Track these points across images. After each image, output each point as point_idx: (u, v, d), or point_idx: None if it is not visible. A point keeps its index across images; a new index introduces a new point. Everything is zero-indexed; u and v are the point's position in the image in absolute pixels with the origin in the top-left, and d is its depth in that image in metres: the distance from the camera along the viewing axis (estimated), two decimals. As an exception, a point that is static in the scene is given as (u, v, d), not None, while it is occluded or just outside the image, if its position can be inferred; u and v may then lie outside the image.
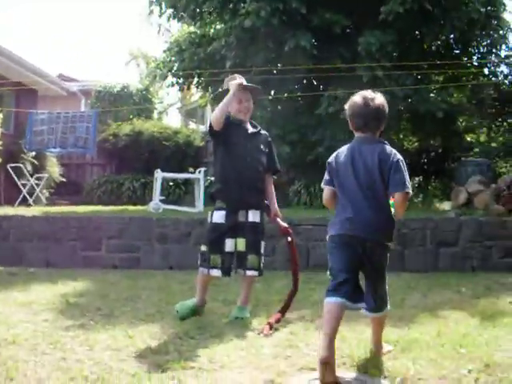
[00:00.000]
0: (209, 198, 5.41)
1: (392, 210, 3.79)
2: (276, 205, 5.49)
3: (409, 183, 3.70)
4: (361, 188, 3.74)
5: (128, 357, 3.96)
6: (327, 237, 3.95)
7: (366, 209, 3.73)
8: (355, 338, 4.33)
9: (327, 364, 3.38)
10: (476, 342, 4.20)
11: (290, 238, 5.41)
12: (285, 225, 5.46)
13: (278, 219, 5.47)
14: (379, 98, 3.89)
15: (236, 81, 5.20)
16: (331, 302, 3.68)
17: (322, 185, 4.01)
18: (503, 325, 4.77)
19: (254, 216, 5.22)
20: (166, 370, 3.65)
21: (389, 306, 4.06)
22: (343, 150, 3.93)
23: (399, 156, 3.78)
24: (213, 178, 5.57)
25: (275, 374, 3.58)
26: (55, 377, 3.53)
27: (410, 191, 3.71)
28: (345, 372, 3.62)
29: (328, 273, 3.94)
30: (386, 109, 3.90)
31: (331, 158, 3.98)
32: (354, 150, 3.85)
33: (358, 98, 3.92)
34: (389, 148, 3.82)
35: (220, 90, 5.36)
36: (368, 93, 3.92)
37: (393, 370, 3.65)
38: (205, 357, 3.90)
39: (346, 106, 4.01)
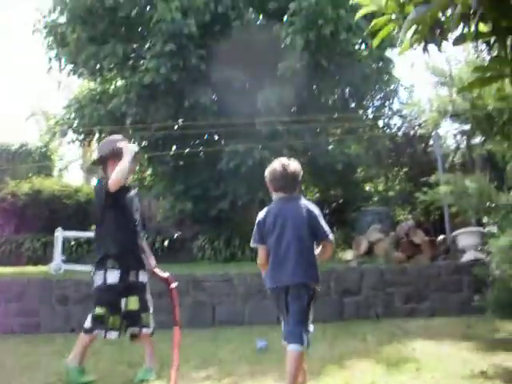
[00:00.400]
0: (99, 259, 5.17)
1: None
2: (152, 257, 5.48)
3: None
4: (288, 242, 4.18)
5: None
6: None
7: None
8: None
9: None
10: (381, 391, 4.26)
11: (172, 285, 5.40)
12: (164, 275, 5.44)
13: (157, 270, 5.43)
14: (294, 164, 4.41)
15: (132, 147, 5.29)
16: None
17: (254, 244, 4.36)
18: (407, 370, 4.87)
19: (143, 276, 5.27)
20: None
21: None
22: (268, 210, 4.35)
23: (317, 208, 4.35)
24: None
25: None
26: None
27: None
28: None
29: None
30: (301, 172, 4.41)
31: (261, 218, 4.32)
32: (277, 209, 4.30)
33: (276, 164, 4.42)
34: (308, 202, 4.40)
35: (112, 149, 5.26)
36: (284, 160, 4.44)
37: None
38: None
39: (266, 172, 4.49)
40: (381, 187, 18.00)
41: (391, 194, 17.36)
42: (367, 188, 17.67)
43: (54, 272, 10.10)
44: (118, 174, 5.01)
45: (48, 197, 15.44)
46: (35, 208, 15.29)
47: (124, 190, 5.24)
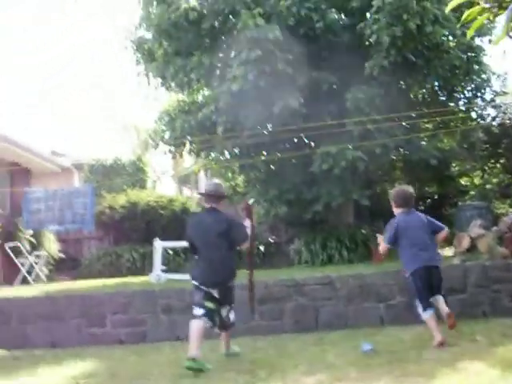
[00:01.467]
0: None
1: None
2: None
3: None
4: (420, 238, 6.55)
5: None
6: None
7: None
8: None
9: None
10: (502, 394, 4.11)
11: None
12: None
13: None
14: (410, 188, 7.05)
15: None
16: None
17: (386, 242, 6.63)
18: (525, 373, 4.67)
19: None
20: None
21: None
22: (398, 220, 6.63)
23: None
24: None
25: None
26: None
27: None
28: None
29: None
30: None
31: (394, 225, 6.60)
32: (403, 219, 6.59)
33: (399, 188, 7.30)
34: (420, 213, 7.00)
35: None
36: (405, 186, 7.42)
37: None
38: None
39: (392, 193, 7.02)
40: (477, 181, 17.48)
41: (489, 187, 16.84)
42: (463, 182, 17.19)
43: (155, 281, 10.35)
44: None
45: (144, 208, 15.84)
46: (132, 220, 15.72)
47: None
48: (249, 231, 6.64)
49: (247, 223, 6.75)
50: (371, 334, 7.08)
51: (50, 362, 7.16)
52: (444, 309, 6.36)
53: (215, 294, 6.26)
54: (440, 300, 6.44)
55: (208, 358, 6.42)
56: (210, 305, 6.16)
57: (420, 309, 6.38)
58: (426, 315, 6.30)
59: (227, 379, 5.35)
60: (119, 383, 5.60)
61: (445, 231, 6.73)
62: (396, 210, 6.69)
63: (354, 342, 6.57)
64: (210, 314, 6.11)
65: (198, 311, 6.13)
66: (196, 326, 6.01)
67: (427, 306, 6.34)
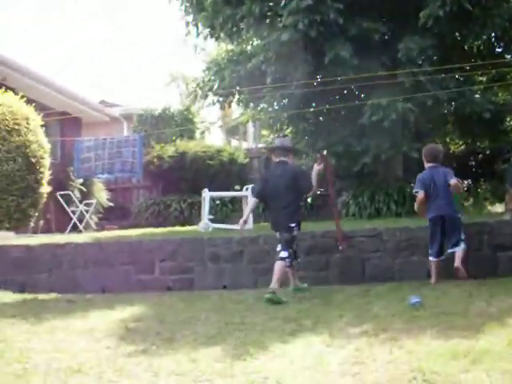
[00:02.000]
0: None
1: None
2: None
3: None
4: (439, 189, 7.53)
5: (194, 381, 3.94)
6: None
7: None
8: (422, 351, 4.23)
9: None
10: (550, 350, 4.06)
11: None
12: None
13: None
14: (439, 146, 8.51)
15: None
16: None
17: (417, 189, 7.72)
18: None
19: None
20: (234, 394, 3.61)
21: None
22: (424, 173, 7.80)
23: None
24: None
25: (346, 392, 3.52)
26: (125, 405, 3.52)
27: None
28: (416, 387, 3.53)
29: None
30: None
31: (422, 177, 7.75)
32: (429, 172, 7.72)
33: (430, 145, 8.35)
34: (443, 167, 7.84)
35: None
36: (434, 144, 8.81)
37: (466, 382, 3.54)
38: (272, 378, 3.86)
39: (424, 150, 8.09)
40: (532, 136, 17.03)
41: (544, 142, 16.40)
42: (517, 138, 16.76)
43: (203, 230, 10.47)
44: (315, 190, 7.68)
45: (192, 158, 15.91)
46: (180, 170, 15.83)
47: None
48: (315, 180, 7.58)
49: (315, 171, 7.66)
50: (417, 287, 7.06)
51: (100, 306, 7.34)
52: (455, 262, 7.20)
53: (278, 235, 7.38)
54: (456, 254, 7.26)
55: (256, 307, 6.54)
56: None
57: (430, 251, 7.48)
58: (431, 258, 7.47)
59: (273, 328, 5.41)
60: (167, 327, 5.71)
61: (453, 180, 7.44)
62: (426, 165, 7.81)
63: (400, 295, 6.57)
64: None
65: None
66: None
67: (436, 251, 7.42)
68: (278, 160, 7.62)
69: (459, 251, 7.26)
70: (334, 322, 5.43)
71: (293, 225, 7.27)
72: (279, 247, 7.22)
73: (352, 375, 3.86)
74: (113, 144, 12.75)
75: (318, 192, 15.18)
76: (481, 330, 4.74)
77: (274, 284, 6.89)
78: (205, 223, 10.83)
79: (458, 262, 7.16)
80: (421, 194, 7.55)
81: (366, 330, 5.04)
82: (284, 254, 7.11)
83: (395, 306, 6.05)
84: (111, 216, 16.63)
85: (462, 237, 7.37)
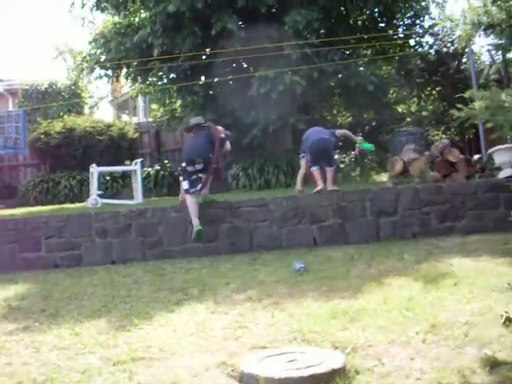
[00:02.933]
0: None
1: None
2: None
3: None
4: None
5: (76, 354, 3.89)
6: None
7: None
8: (303, 313, 4.36)
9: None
10: (421, 305, 4.28)
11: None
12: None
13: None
14: None
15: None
16: None
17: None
18: (446, 286, 4.86)
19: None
20: (116, 364, 3.60)
21: None
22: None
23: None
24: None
25: (227, 355, 3.58)
26: (1, 382, 3.43)
27: None
28: (297, 347, 3.64)
29: None
30: None
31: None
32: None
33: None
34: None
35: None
36: None
37: (343, 339, 3.69)
38: (155, 346, 3.87)
39: None
40: (414, 108, 17.74)
41: (425, 114, 17.13)
42: (400, 109, 17.42)
43: (91, 206, 10.28)
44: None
45: (81, 134, 15.51)
46: (69, 146, 15.40)
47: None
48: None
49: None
50: (303, 254, 7.25)
51: (-17, 286, 7.08)
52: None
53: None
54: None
55: (144, 280, 6.51)
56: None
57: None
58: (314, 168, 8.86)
59: (160, 299, 5.41)
60: (52, 304, 5.59)
61: None
62: None
63: (286, 262, 6.72)
64: None
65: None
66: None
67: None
68: (194, 134, 8.70)
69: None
70: (220, 290, 5.49)
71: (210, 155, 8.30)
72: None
73: (234, 339, 3.93)
74: (-6, 119, 12.24)
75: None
76: (359, 291, 4.94)
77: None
78: (94, 199, 10.63)
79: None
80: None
81: (251, 296, 5.14)
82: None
83: (281, 272, 6.19)
84: (-3, 195, 16.00)
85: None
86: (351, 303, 4.53)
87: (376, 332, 3.78)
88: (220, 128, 8.87)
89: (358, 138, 9.68)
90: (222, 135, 8.65)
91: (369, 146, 9.70)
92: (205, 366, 3.43)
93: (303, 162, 9.19)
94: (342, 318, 4.15)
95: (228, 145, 8.76)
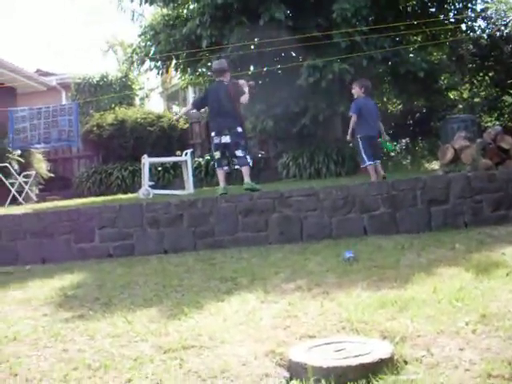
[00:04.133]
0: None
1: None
2: None
3: None
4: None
5: (129, 342, 3.97)
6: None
7: None
8: (352, 303, 4.36)
9: None
10: (472, 295, 4.23)
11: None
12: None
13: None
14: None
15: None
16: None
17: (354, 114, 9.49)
18: (498, 276, 4.79)
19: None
20: (167, 352, 3.67)
21: None
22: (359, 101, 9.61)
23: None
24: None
25: (275, 344, 3.61)
26: (58, 368, 3.54)
27: None
28: (345, 336, 3.65)
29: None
30: None
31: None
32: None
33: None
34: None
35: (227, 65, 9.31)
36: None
37: (391, 329, 3.67)
38: (205, 335, 3.92)
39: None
40: (466, 94, 17.43)
41: (477, 100, 16.80)
42: (451, 96, 17.13)
43: (143, 197, 10.44)
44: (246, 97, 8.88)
45: (132, 126, 15.78)
46: (121, 138, 15.70)
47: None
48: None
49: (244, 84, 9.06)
50: (353, 243, 7.22)
51: (40, 275, 7.26)
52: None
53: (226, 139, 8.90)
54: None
55: (195, 269, 6.60)
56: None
57: (366, 159, 9.50)
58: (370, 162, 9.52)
59: (210, 288, 5.48)
60: (105, 292, 5.72)
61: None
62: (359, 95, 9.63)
63: (335, 251, 6.71)
64: None
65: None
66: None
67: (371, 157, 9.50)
68: (217, 79, 9.21)
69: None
70: (269, 279, 5.53)
71: (240, 130, 8.87)
72: (238, 152, 8.92)
73: (283, 328, 3.96)
74: (48, 113, 12.49)
75: (259, 155, 15.34)
76: (409, 281, 4.91)
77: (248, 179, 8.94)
78: (145, 190, 10.79)
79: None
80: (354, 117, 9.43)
81: (300, 286, 5.16)
82: (241, 153, 8.88)
83: (330, 261, 6.19)
84: (52, 187, 16.38)
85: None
86: (400, 293, 4.51)
87: (425, 322, 3.76)
88: (241, 82, 9.13)
89: (386, 137, 10.13)
90: (244, 94, 8.89)
91: (390, 147, 10.53)
92: (254, 355, 3.47)
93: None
94: (391, 308, 4.13)
95: (244, 98, 8.89)
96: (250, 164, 9.12)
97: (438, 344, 3.39)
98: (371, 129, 9.52)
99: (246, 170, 9.05)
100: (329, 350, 3.30)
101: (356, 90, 9.57)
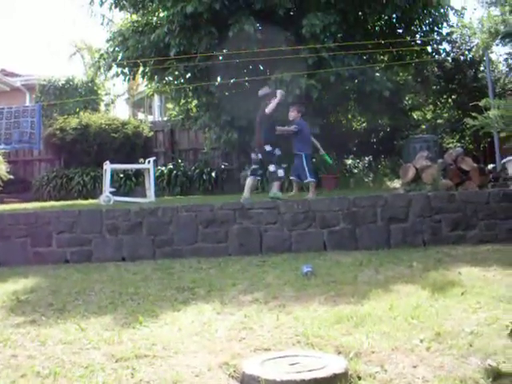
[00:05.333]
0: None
1: None
2: None
3: None
4: None
5: (81, 349, 3.90)
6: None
7: None
8: (308, 317, 4.35)
9: None
10: (427, 313, 4.27)
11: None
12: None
13: None
14: None
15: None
16: None
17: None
18: (453, 295, 4.84)
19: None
20: (119, 360, 3.61)
21: None
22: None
23: None
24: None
25: (230, 356, 3.58)
26: (5, 375, 3.46)
27: None
28: (300, 350, 3.64)
29: None
30: None
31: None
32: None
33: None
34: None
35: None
36: None
37: (347, 345, 3.68)
38: (159, 344, 3.88)
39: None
40: (429, 115, 17.68)
41: (439, 121, 17.06)
42: (415, 116, 17.36)
43: (103, 203, 10.33)
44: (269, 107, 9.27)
45: (96, 131, 15.63)
46: (84, 143, 15.52)
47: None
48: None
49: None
50: (312, 257, 7.24)
51: (-7, 278, 7.12)
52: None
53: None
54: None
55: (152, 277, 6.52)
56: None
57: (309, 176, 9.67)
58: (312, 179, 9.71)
59: (167, 297, 5.43)
60: (60, 298, 5.62)
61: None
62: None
63: (294, 265, 6.72)
64: None
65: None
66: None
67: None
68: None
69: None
70: (227, 291, 5.50)
71: (268, 148, 9.23)
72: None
73: (238, 340, 3.94)
74: (10, 113, 12.25)
75: (222, 166, 15.33)
76: (366, 297, 4.93)
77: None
78: (106, 196, 10.68)
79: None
80: None
81: (257, 298, 5.14)
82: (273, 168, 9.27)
83: (288, 275, 6.19)
84: (11, 189, 16.09)
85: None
86: (357, 309, 4.52)
87: (380, 338, 3.77)
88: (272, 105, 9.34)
89: (322, 151, 10.60)
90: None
91: (328, 159, 11.02)
92: (207, 366, 3.43)
93: None
94: (347, 323, 4.14)
95: (267, 107, 9.33)
96: (281, 178, 9.42)
97: (392, 360, 3.40)
98: (310, 147, 9.99)
99: (276, 185, 9.34)
100: (283, 363, 3.28)
101: (294, 114, 9.89)
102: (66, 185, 15.08)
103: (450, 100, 16.86)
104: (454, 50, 15.91)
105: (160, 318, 4.61)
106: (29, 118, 12.14)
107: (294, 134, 9.83)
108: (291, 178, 10.17)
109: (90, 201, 12.15)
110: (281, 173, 9.28)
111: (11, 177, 15.84)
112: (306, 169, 9.66)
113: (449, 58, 15.94)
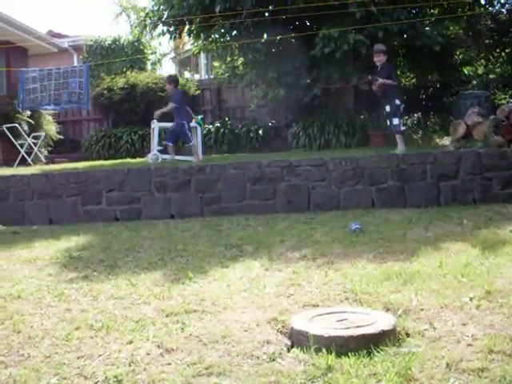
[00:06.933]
0: None
1: None
2: None
3: None
4: None
5: (132, 304, 3.99)
6: None
7: None
8: (356, 274, 4.35)
9: None
10: (477, 271, 4.21)
11: None
12: None
13: None
14: None
15: None
16: None
17: None
18: (504, 253, 4.77)
19: None
20: (169, 315, 3.68)
21: None
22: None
23: None
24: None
25: (278, 312, 3.61)
26: (61, 327, 3.56)
27: None
28: (348, 307, 3.64)
29: None
30: None
31: None
32: None
33: None
34: None
35: None
36: None
37: (395, 302, 3.67)
38: (208, 300, 3.93)
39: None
40: (481, 70, 17.19)
41: (491, 77, 16.58)
42: (466, 71, 16.89)
43: (151, 161, 10.41)
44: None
45: (143, 90, 15.66)
46: (131, 102, 15.58)
47: None
48: None
49: None
50: (360, 215, 7.21)
51: (46, 236, 7.29)
52: None
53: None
54: None
55: (201, 235, 6.60)
56: None
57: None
58: None
59: (215, 254, 5.49)
60: (110, 255, 5.74)
61: None
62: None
63: (343, 222, 6.70)
64: None
65: None
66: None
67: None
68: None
69: None
70: (275, 248, 5.53)
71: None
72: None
73: (286, 296, 3.96)
74: (59, 74, 12.39)
75: (270, 124, 15.25)
76: (415, 254, 4.89)
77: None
78: (154, 154, 10.76)
79: None
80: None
81: (305, 255, 5.15)
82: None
83: (337, 232, 6.18)
84: (61, 149, 16.38)
85: None
86: (406, 266, 4.49)
87: (429, 296, 3.74)
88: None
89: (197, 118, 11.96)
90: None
91: (200, 122, 12.11)
92: (256, 322, 3.47)
93: None
94: (396, 281, 4.12)
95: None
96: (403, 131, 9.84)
97: (441, 318, 3.37)
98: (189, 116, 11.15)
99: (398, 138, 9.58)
100: (331, 319, 3.29)
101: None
102: (114, 144, 15.21)
103: (503, 54, 16.34)
104: (509, 1, 15.37)
105: (209, 274, 4.66)
106: (77, 79, 12.27)
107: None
108: None
109: (138, 159, 12.27)
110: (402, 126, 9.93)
111: (61, 137, 16.11)
112: (189, 134, 10.89)
113: (503, 10, 15.40)
